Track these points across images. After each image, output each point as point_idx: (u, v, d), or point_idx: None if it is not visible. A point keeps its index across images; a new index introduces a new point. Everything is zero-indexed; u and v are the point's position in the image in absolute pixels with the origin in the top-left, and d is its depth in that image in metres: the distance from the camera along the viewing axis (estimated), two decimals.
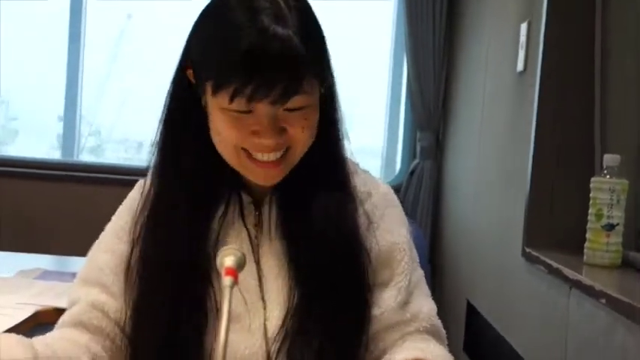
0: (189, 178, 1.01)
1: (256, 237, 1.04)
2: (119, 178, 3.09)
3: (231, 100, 0.91)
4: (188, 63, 0.99)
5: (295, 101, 0.93)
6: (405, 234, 1.09)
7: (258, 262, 1.03)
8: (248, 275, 1.01)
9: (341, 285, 1.00)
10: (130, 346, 1.01)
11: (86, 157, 3.56)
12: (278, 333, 0.99)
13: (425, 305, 1.08)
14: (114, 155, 3.67)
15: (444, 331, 1.10)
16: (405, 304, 1.05)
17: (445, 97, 3.26)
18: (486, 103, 2.56)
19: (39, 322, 1.49)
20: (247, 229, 1.03)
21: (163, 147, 1.04)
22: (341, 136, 1.06)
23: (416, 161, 3.31)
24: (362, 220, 1.06)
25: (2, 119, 3.58)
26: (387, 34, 3.48)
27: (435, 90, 3.23)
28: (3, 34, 3.27)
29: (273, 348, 0.99)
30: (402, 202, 1.16)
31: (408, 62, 3.27)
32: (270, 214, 1.04)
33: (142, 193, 1.05)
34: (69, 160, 3.46)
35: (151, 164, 1.06)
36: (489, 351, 2.27)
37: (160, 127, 1.04)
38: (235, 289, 0.97)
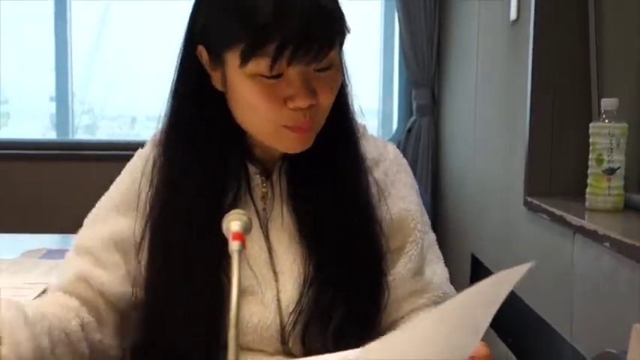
0: (198, 155, 0.97)
1: (264, 209, 1.01)
2: (115, 154, 3.06)
3: (272, 65, 0.87)
4: (197, 39, 0.94)
5: (327, 58, 0.90)
6: (415, 199, 1.08)
7: (267, 235, 1.01)
8: (257, 248, 1.00)
9: (354, 255, 0.99)
10: (146, 315, 1.00)
11: (81, 136, 3.54)
12: (295, 308, 0.98)
13: (437, 273, 1.07)
14: (108, 132, 3.66)
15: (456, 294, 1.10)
16: (416, 273, 1.05)
17: (439, 52, 3.23)
18: (481, 54, 2.55)
19: None
20: (254, 203, 1.00)
21: (173, 130, 0.99)
22: (350, 101, 1.02)
23: (413, 118, 3.30)
24: (372, 189, 1.03)
25: None
26: None
27: (428, 46, 3.21)
28: None
29: (289, 321, 0.98)
30: None
31: (399, 19, 3.24)
32: (280, 185, 1.01)
33: (144, 170, 1.02)
34: (65, 139, 3.45)
35: (156, 143, 1.01)
36: None
37: (169, 113, 0.99)
38: (244, 263, 0.96)
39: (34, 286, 1.49)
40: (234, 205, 0.98)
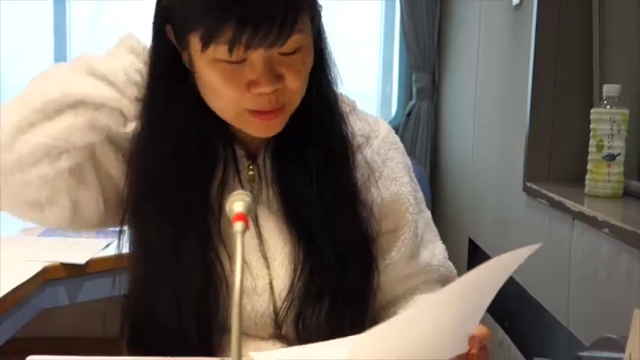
0: (179, 143, 0.95)
1: (252, 192, 0.99)
2: None
3: (230, 51, 0.85)
4: (164, 17, 0.92)
5: (292, 42, 0.87)
6: (408, 180, 1.07)
7: (256, 220, 0.99)
8: (248, 234, 0.95)
9: (342, 238, 0.98)
10: (137, 299, 0.99)
11: None
12: (287, 294, 0.97)
13: (435, 254, 1.08)
14: None
15: (454, 272, 1.10)
16: (411, 257, 1.05)
17: (440, 35, 3.22)
18: (482, 39, 2.53)
19: (47, 278, 1.50)
20: (242, 186, 0.98)
21: (150, 111, 0.96)
22: (332, 78, 1.00)
23: (412, 102, 3.29)
24: (362, 169, 1.02)
25: None
26: None
27: (429, 29, 3.19)
28: None
29: (282, 307, 0.97)
30: None
31: (400, 1, 3.22)
32: (266, 167, 1.00)
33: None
34: None
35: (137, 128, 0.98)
36: None
37: (145, 91, 0.96)
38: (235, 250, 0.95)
39: (33, 263, 1.50)
40: (221, 189, 0.96)
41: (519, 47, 2.03)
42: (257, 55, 0.87)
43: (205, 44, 0.86)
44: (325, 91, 0.99)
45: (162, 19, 0.93)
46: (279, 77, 0.89)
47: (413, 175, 1.09)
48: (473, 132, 2.63)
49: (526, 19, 1.96)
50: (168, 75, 0.94)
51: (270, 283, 0.98)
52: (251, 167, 1.00)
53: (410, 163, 1.10)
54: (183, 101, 0.94)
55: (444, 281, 1.08)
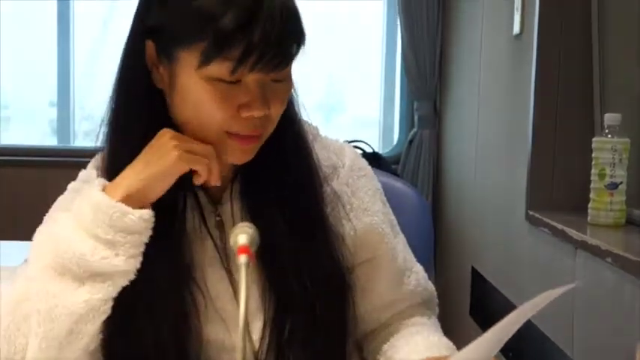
0: None
1: (221, 239, 0.95)
2: None
3: (235, 69, 0.83)
4: (147, 33, 0.89)
5: (287, 69, 0.88)
6: (380, 207, 1.04)
7: (229, 271, 0.95)
8: (220, 287, 0.94)
9: (317, 272, 0.95)
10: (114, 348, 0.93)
11: (80, 142, 3.53)
12: (261, 344, 0.93)
13: (417, 277, 1.06)
14: None
15: (433, 290, 1.09)
16: (395, 283, 1.04)
17: (441, 64, 3.24)
18: (483, 68, 2.55)
19: None
20: (211, 234, 0.95)
21: (113, 140, 0.95)
22: (298, 111, 0.98)
23: (414, 130, 3.30)
24: (331, 202, 0.99)
25: None
26: (380, 1, 3.44)
27: (431, 58, 3.21)
28: None
29: (261, 356, 0.94)
30: (402, 171, 1.13)
31: (402, 30, 3.24)
32: (232, 211, 0.96)
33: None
34: (66, 146, 3.44)
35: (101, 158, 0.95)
36: (496, 315, 2.28)
37: (109, 116, 0.95)
38: (216, 315, 0.91)
39: None
40: (190, 241, 0.93)
41: (520, 76, 2.05)
42: (253, 78, 0.86)
43: (207, 61, 0.84)
44: (292, 124, 0.97)
45: (143, 34, 0.90)
46: (268, 103, 0.88)
47: (384, 197, 1.07)
48: (474, 160, 2.64)
49: (526, 48, 1.98)
50: (136, 97, 0.91)
51: (249, 336, 0.94)
52: (218, 213, 0.96)
53: (379, 185, 1.07)
54: (150, 127, 0.90)
55: (425, 302, 1.08)
